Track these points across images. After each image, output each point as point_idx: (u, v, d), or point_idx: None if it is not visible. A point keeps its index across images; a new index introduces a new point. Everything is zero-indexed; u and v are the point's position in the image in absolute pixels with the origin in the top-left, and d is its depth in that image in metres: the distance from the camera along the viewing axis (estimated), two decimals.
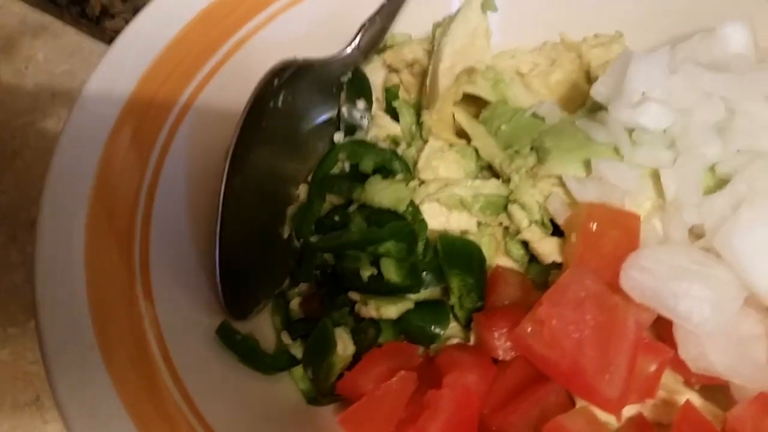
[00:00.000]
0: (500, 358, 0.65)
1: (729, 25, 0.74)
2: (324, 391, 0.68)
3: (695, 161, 0.68)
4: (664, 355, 0.60)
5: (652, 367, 0.60)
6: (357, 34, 0.79)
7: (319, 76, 0.79)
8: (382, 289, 0.71)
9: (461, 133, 0.83)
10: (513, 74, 0.89)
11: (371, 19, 0.79)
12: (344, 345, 0.67)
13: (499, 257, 0.77)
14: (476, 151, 0.79)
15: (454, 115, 0.83)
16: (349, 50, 0.79)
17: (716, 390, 0.65)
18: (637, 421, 0.62)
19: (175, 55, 0.77)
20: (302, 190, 0.81)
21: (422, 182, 0.78)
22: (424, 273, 0.73)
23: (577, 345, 0.58)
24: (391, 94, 0.86)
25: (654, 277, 0.63)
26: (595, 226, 0.67)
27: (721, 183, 0.69)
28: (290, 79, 0.76)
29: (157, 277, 0.67)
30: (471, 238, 0.76)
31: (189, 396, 0.62)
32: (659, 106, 0.69)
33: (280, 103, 0.77)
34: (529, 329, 0.60)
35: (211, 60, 0.79)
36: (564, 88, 0.87)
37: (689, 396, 0.64)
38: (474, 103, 0.86)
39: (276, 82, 0.75)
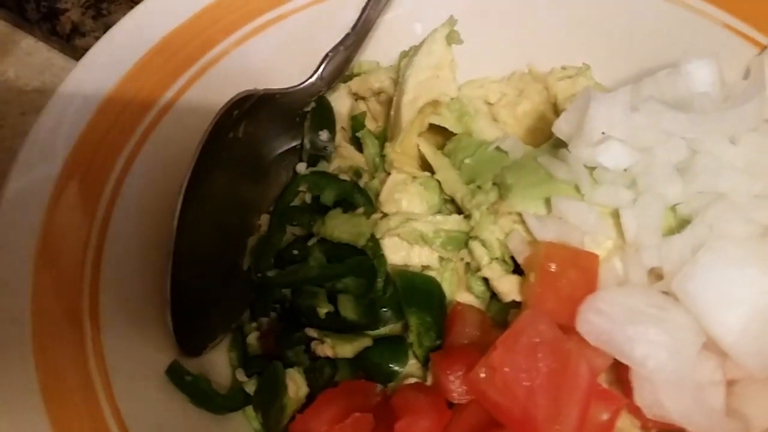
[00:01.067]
0: (455, 401, 0.64)
1: (693, 62, 0.74)
2: None
3: (655, 202, 0.67)
4: (617, 404, 0.60)
5: (605, 416, 0.59)
6: (321, 64, 0.78)
7: (281, 106, 0.78)
8: (339, 327, 0.70)
9: (426, 164, 0.82)
10: (481, 104, 0.89)
11: (335, 49, 0.78)
12: (297, 387, 0.66)
13: (461, 293, 0.76)
14: (439, 183, 0.78)
15: (419, 146, 0.82)
16: (312, 80, 0.78)
17: None
18: None
19: (134, 84, 0.76)
20: (264, 221, 0.80)
21: (384, 215, 0.77)
22: (384, 309, 0.72)
23: (529, 393, 0.57)
24: (357, 122, 0.85)
25: (610, 320, 0.63)
26: (553, 267, 0.66)
27: (683, 224, 0.68)
28: (251, 110, 0.75)
29: (107, 314, 0.65)
30: (433, 273, 0.75)
31: None
32: (620, 145, 0.68)
33: (240, 134, 0.76)
34: (482, 375, 0.59)
35: (171, 89, 0.78)
36: (531, 119, 0.87)
37: None
38: (441, 133, 0.85)
39: (236, 113, 0.74)
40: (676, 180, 0.68)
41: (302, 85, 0.78)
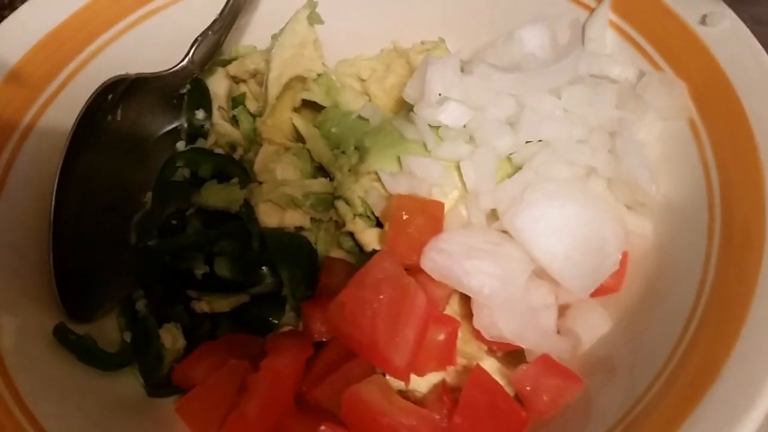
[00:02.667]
0: (318, 339, 0.72)
1: (523, 28, 0.82)
2: (155, 383, 0.73)
3: (489, 153, 0.76)
4: (453, 326, 0.68)
5: (441, 336, 0.67)
6: (190, 48, 0.84)
7: (157, 89, 0.84)
8: (216, 286, 0.76)
9: (302, 137, 0.89)
10: (354, 80, 0.96)
11: (203, 34, 0.84)
12: (173, 339, 0.72)
13: (335, 249, 0.83)
14: (310, 152, 0.85)
15: (292, 120, 0.89)
16: (183, 64, 0.84)
17: (517, 356, 0.73)
18: (440, 386, 0.69)
19: (23, 73, 0.81)
20: (149, 198, 0.85)
21: (260, 184, 0.83)
22: (262, 268, 0.79)
23: (372, 322, 0.64)
24: (236, 102, 0.91)
25: (450, 257, 0.71)
26: (403, 215, 0.74)
27: (517, 170, 0.77)
28: (126, 94, 0.81)
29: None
30: (307, 233, 0.82)
31: (21, 398, 0.65)
32: (456, 104, 0.76)
33: (119, 117, 0.82)
34: (335, 310, 0.67)
35: (56, 81, 0.83)
36: (397, 91, 0.94)
37: (488, 362, 0.72)
38: (315, 108, 0.92)
39: (110, 97, 0.80)
40: (506, 132, 0.76)
41: (174, 69, 0.84)
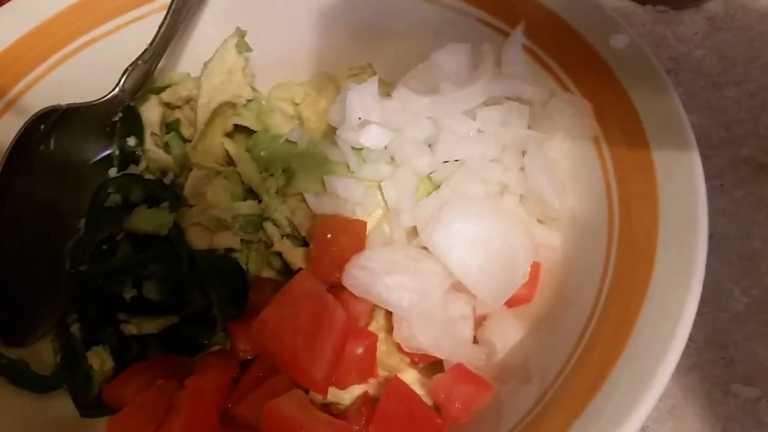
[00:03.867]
0: (246, 357, 0.74)
1: (440, 53, 0.87)
2: (86, 404, 0.74)
3: (409, 173, 0.80)
4: (371, 339, 0.71)
5: (360, 350, 0.70)
6: (121, 77, 0.87)
7: (89, 118, 0.86)
8: (145, 308, 0.78)
9: (234, 161, 0.92)
10: (287, 104, 1.00)
11: (134, 64, 0.87)
12: (101, 361, 0.74)
13: (266, 269, 0.86)
14: (240, 175, 0.88)
15: (224, 145, 0.92)
16: (114, 93, 0.86)
17: (438, 367, 0.76)
18: (362, 398, 0.72)
19: None
20: (83, 224, 0.87)
21: (191, 207, 0.86)
22: (192, 290, 0.81)
23: (292, 337, 0.67)
24: (169, 128, 0.94)
25: (371, 273, 0.74)
26: (327, 234, 0.77)
27: (437, 189, 0.81)
28: (58, 124, 0.83)
29: None
30: (238, 255, 0.85)
31: None
32: (376, 127, 0.80)
33: (52, 146, 0.84)
34: (257, 328, 0.69)
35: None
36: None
37: (410, 373, 0.75)
38: (247, 132, 0.95)
39: (43, 127, 0.82)
40: (424, 153, 0.80)
41: (105, 98, 0.86)
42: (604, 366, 0.61)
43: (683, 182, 0.69)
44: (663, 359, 0.58)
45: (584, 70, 0.83)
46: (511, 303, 0.76)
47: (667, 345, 0.59)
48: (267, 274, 0.85)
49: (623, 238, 0.70)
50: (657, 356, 0.58)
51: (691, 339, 0.64)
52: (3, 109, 0.87)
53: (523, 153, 0.81)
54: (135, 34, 0.94)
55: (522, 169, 0.80)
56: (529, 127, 0.82)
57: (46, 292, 0.82)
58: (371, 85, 0.80)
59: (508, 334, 0.76)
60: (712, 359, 0.80)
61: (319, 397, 0.70)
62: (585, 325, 0.67)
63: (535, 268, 0.76)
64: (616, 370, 0.60)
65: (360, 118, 0.79)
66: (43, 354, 0.79)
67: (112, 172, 0.88)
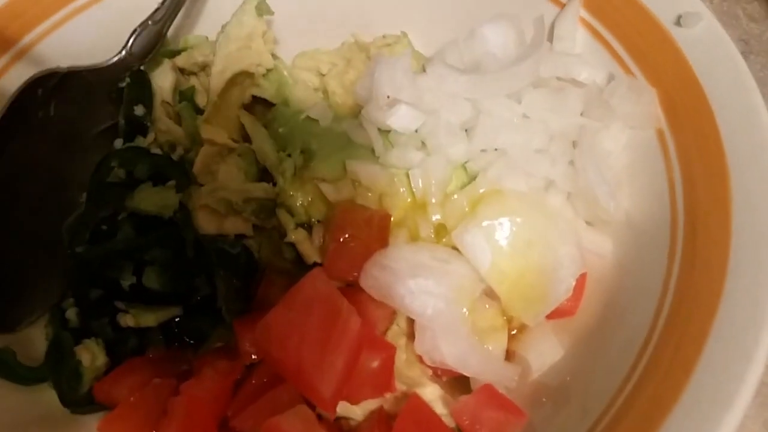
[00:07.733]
0: (250, 361, 0.67)
1: (486, 26, 0.76)
2: (74, 401, 0.68)
3: (441, 161, 0.70)
4: (388, 351, 0.63)
5: (376, 363, 0.62)
6: (128, 39, 0.78)
7: (92, 83, 0.78)
8: (144, 297, 0.71)
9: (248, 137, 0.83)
10: (313, 74, 0.91)
11: (143, 24, 0.79)
12: (92, 356, 0.67)
13: (279, 260, 0.78)
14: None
15: (239, 118, 0.83)
16: (121, 56, 0.78)
17: (464, 381, 0.68)
18: (377, 414, 0.65)
19: None
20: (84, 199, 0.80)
21: (200, 187, 0.78)
22: (196, 278, 0.74)
23: (299, 346, 0.59)
24: (183, 97, 0.86)
25: (393, 274, 0.65)
26: (345, 227, 0.69)
27: (472, 181, 0.71)
28: (58, 88, 0.76)
29: None
30: (249, 241, 0.77)
31: None
32: (406, 107, 0.71)
33: (51, 112, 0.77)
34: (261, 332, 0.62)
35: None
36: None
37: (431, 389, 0.67)
38: (269, 105, 0.87)
39: (40, 91, 0.74)
40: (460, 140, 0.71)
41: (111, 61, 0.78)
42: (662, 404, 0.52)
43: (762, 192, 0.58)
44: (728, 408, 0.49)
45: (651, 51, 0.72)
46: (550, 315, 0.67)
47: (734, 391, 0.49)
48: (280, 264, 0.77)
49: (687, 253, 0.60)
50: (722, 404, 0.49)
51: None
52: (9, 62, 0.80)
53: (574, 144, 0.71)
54: None
55: (571, 162, 0.70)
56: (582, 115, 0.72)
57: (41, 271, 0.76)
58: (403, 60, 0.71)
59: (545, 352, 0.67)
60: None
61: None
62: (639, 353, 0.58)
63: (581, 279, 0.67)
64: (679, 406, 0.51)
65: (389, 97, 0.70)
66: (36, 342, 0.73)
67: (118, 143, 0.80)
